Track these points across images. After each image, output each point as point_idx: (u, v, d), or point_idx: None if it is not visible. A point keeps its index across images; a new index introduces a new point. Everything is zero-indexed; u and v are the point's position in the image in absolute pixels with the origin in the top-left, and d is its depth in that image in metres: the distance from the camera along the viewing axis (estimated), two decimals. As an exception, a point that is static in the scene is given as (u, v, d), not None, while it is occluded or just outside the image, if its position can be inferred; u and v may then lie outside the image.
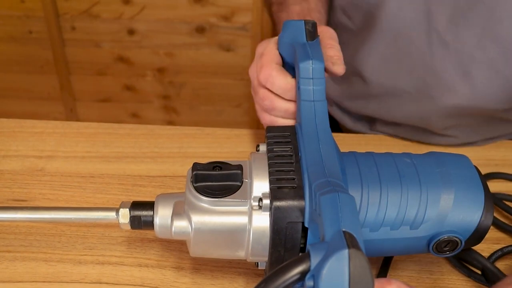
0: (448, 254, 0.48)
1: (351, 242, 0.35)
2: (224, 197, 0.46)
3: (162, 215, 0.48)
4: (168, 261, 0.57)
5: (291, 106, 0.56)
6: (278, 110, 0.57)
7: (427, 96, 0.70)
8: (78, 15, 1.61)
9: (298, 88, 0.53)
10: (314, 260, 0.36)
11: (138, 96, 1.75)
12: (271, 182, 0.45)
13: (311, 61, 0.52)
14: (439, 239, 0.47)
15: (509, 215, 0.63)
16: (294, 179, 0.45)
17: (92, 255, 0.57)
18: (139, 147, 0.71)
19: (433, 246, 0.47)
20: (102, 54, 1.66)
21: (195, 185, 0.47)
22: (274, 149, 0.49)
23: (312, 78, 0.52)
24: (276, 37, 0.60)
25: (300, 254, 0.46)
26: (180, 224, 0.47)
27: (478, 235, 0.47)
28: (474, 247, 0.52)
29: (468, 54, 0.66)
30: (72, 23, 1.62)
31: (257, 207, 0.45)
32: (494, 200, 0.58)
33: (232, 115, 1.77)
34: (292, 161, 0.47)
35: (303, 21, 0.57)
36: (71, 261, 0.57)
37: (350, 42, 0.78)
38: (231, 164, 0.48)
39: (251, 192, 0.46)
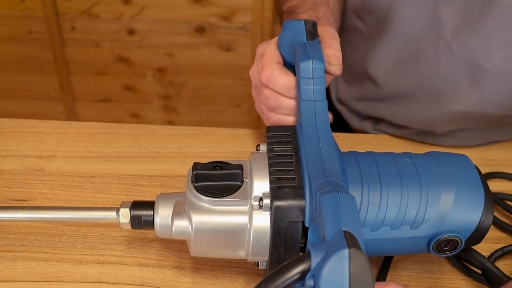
0: (448, 254, 0.48)
1: (351, 241, 0.35)
2: (224, 196, 0.46)
3: (162, 215, 0.48)
4: (168, 261, 0.57)
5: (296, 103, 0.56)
6: (284, 108, 0.57)
7: (435, 102, 0.71)
8: (78, 15, 1.61)
9: (298, 88, 0.53)
10: (315, 260, 0.36)
11: (138, 96, 1.75)
12: (271, 182, 0.45)
13: (311, 61, 0.52)
14: (439, 239, 0.47)
15: (509, 215, 0.63)
16: (294, 178, 0.45)
17: (93, 254, 0.57)
18: (139, 147, 0.71)
19: (433, 246, 0.47)
20: (102, 54, 1.67)
21: (196, 184, 0.47)
22: (275, 148, 0.49)
23: (312, 78, 0.52)
24: (276, 37, 0.60)
25: (300, 253, 0.46)
26: (181, 224, 0.47)
27: (479, 234, 0.47)
28: (474, 247, 0.52)
29: (475, 62, 0.66)
30: (72, 23, 1.62)
31: (258, 207, 0.45)
32: (494, 200, 0.58)
33: (232, 115, 1.77)
34: (293, 160, 0.47)
35: (303, 21, 0.57)
36: (71, 261, 0.57)
37: (361, 44, 0.78)
38: (231, 164, 0.48)
39: (251, 191, 0.46)
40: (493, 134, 0.74)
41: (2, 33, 1.65)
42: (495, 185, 0.66)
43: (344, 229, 0.37)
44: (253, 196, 0.46)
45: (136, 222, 0.49)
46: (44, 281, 0.55)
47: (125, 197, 0.64)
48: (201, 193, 0.46)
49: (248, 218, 0.46)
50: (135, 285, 0.55)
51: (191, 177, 0.47)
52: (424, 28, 0.68)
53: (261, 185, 0.46)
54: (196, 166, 0.48)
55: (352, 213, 0.39)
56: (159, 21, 1.61)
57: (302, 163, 0.47)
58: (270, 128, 0.52)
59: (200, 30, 1.61)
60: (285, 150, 0.48)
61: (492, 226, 0.59)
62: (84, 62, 1.68)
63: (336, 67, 0.56)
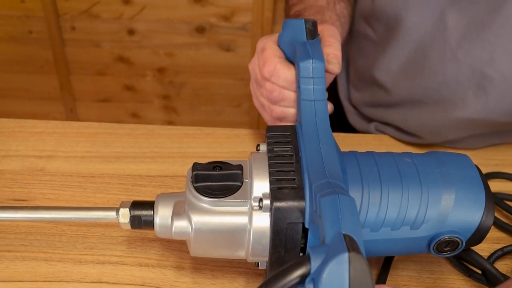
0: (449, 254, 0.48)
1: (351, 245, 0.35)
2: (224, 197, 0.46)
3: (162, 215, 0.48)
4: (168, 261, 0.57)
5: None
6: (288, 101, 0.57)
7: (441, 109, 0.71)
8: (78, 15, 1.61)
9: (298, 87, 0.53)
10: (314, 263, 0.36)
11: (138, 96, 1.75)
12: (271, 183, 0.45)
13: (311, 60, 0.52)
14: (439, 240, 0.47)
15: (509, 215, 0.63)
16: (294, 179, 0.45)
17: (93, 254, 0.57)
18: (139, 147, 0.71)
19: (433, 247, 0.47)
20: (102, 54, 1.66)
21: (195, 185, 0.47)
22: (274, 149, 0.49)
23: (313, 78, 0.52)
24: (276, 35, 0.60)
25: (300, 254, 0.46)
26: (180, 224, 0.47)
27: (479, 235, 0.47)
28: (475, 247, 0.52)
29: (480, 70, 0.66)
30: (72, 23, 1.62)
31: (257, 208, 0.45)
32: (494, 200, 0.57)
33: (232, 115, 1.77)
34: (293, 161, 0.47)
35: (303, 20, 0.57)
36: (71, 261, 0.57)
37: (370, 50, 0.78)
38: (231, 164, 0.48)
39: (251, 192, 0.46)
40: (497, 139, 0.74)
41: (2, 33, 1.64)
42: (495, 185, 0.66)
43: (344, 232, 0.37)
44: (253, 197, 0.46)
45: (136, 222, 0.49)
46: (44, 281, 0.55)
47: (125, 197, 0.64)
48: (200, 194, 0.46)
49: (248, 218, 0.46)
50: (135, 285, 0.55)
51: (191, 177, 0.47)
52: (431, 35, 0.69)
53: (261, 186, 0.46)
54: (195, 166, 0.48)
55: (352, 215, 0.39)
56: (159, 21, 1.61)
57: (302, 164, 0.46)
58: (270, 128, 0.52)
59: (200, 30, 1.61)
60: (285, 150, 0.48)
61: (492, 226, 0.59)
62: (84, 62, 1.68)
63: (335, 65, 0.56)
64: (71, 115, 1.79)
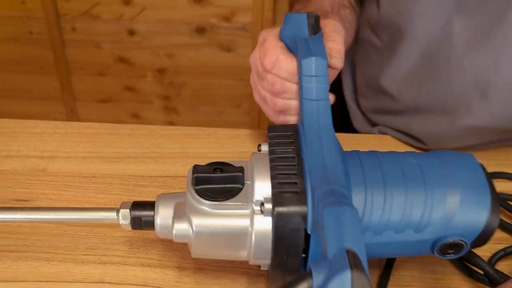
0: (453, 257, 0.48)
1: (354, 261, 0.35)
2: (225, 200, 0.46)
3: (163, 215, 0.48)
4: (170, 261, 0.57)
5: None
6: (290, 93, 0.56)
7: (447, 116, 0.71)
8: (78, 16, 1.61)
9: (300, 86, 0.52)
10: (316, 280, 0.35)
11: (138, 97, 1.75)
12: (273, 187, 0.45)
13: (313, 58, 0.51)
14: (444, 242, 0.46)
15: (511, 215, 0.63)
16: (296, 183, 0.45)
17: (95, 255, 0.57)
18: (140, 147, 0.71)
19: (437, 249, 0.46)
20: (103, 55, 1.67)
21: (196, 188, 0.46)
22: (276, 150, 0.48)
23: (315, 76, 0.51)
24: (278, 28, 0.59)
25: (303, 255, 0.45)
26: (181, 227, 0.46)
27: (484, 237, 0.46)
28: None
29: (485, 77, 0.66)
30: (72, 24, 1.62)
31: (259, 212, 0.45)
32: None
33: (232, 116, 1.77)
34: (295, 164, 0.46)
35: (306, 15, 0.56)
36: (73, 261, 0.57)
37: (377, 58, 0.78)
38: (232, 166, 0.48)
39: (252, 195, 0.45)
40: (503, 144, 0.74)
41: (2, 33, 1.65)
42: (497, 186, 0.66)
43: (347, 247, 0.36)
44: (254, 200, 0.45)
45: (137, 223, 0.49)
46: (47, 281, 0.55)
47: (127, 198, 0.64)
48: (201, 197, 0.46)
49: (249, 222, 0.45)
50: (137, 285, 0.55)
51: (192, 180, 0.47)
52: (436, 44, 0.69)
53: (262, 189, 0.45)
54: (196, 168, 0.47)
55: (355, 229, 0.38)
56: (159, 22, 1.61)
57: (304, 167, 0.46)
58: (272, 128, 0.51)
59: (200, 30, 1.61)
60: (287, 152, 0.47)
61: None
62: (85, 62, 1.69)
63: (337, 60, 0.55)
64: (72, 115, 1.79)
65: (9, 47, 1.67)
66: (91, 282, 0.55)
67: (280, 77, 0.56)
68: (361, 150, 0.51)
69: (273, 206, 0.44)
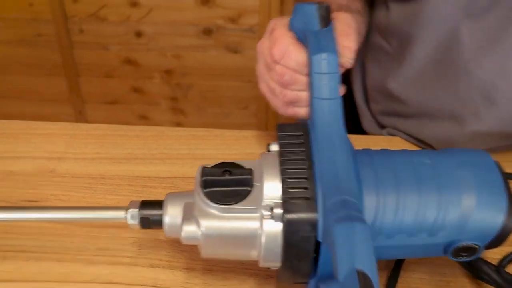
0: (466, 259, 0.47)
1: (365, 285, 0.34)
2: (234, 204, 0.45)
3: (171, 215, 0.48)
4: (179, 262, 0.57)
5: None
6: (300, 84, 0.54)
7: (455, 122, 0.70)
8: (86, 18, 1.61)
9: (310, 83, 0.50)
10: None
11: (145, 98, 1.76)
12: (283, 191, 0.44)
13: (324, 54, 0.48)
14: (457, 246, 0.45)
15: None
16: (307, 189, 0.44)
17: (104, 255, 0.58)
18: (148, 148, 0.72)
19: (450, 252, 0.45)
20: (110, 57, 1.67)
21: (205, 190, 0.46)
22: (287, 152, 0.47)
23: (326, 73, 0.48)
24: (288, 18, 0.57)
25: (314, 254, 0.45)
26: (190, 229, 0.46)
27: (499, 239, 0.45)
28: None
29: (491, 82, 0.66)
30: (80, 25, 1.63)
31: (269, 217, 0.44)
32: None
33: (239, 117, 1.77)
34: (305, 167, 0.45)
35: (316, 5, 0.53)
36: (83, 262, 0.57)
37: (386, 62, 0.78)
38: (241, 167, 0.47)
39: (262, 199, 0.45)
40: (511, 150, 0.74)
41: (11, 36, 1.66)
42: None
43: (357, 268, 0.35)
44: (264, 205, 0.44)
45: (145, 222, 0.49)
46: (57, 282, 0.55)
47: (135, 199, 0.63)
48: (210, 200, 0.45)
49: (258, 225, 0.45)
50: (146, 286, 0.55)
51: (200, 182, 0.47)
52: (444, 49, 0.68)
53: (272, 192, 0.45)
54: (204, 171, 0.47)
55: (366, 248, 0.37)
56: (166, 24, 1.61)
57: (315, 171, 0.45)
58: (282, 127, 0.49)
59: (207, 32, 1.62)
60: (297, 154, 0.46)
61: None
62: (92, 64, 1.69)
63: (347, 60, 0.53)
64: (80, 117, 1.80)
65: (17, 49, 1.68)
66: (101, 283, 0.55)
67: (289, 68, 0.54)
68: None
69: (283, 213, 0.43)
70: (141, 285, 0.55)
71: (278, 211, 0.43)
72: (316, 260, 0.45)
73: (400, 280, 0.56)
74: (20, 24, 1.64)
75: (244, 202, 0.45)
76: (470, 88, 0.68)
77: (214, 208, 0.45)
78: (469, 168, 0.46)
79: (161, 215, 0.48)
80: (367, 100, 0.87)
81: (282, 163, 0.46)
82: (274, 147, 0.48)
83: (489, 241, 0.46)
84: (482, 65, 0.66)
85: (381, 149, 0.49)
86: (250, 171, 0.47)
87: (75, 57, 1.68)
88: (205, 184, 0.46)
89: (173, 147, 0.72)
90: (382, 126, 0.84)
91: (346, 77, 0.62)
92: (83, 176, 0.67)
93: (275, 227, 0.44)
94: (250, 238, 0.45)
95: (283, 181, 0.45)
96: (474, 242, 0.45)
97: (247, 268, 0.57)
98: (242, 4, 1.57)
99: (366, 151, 0.48)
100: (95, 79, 1.72)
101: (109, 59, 1.68)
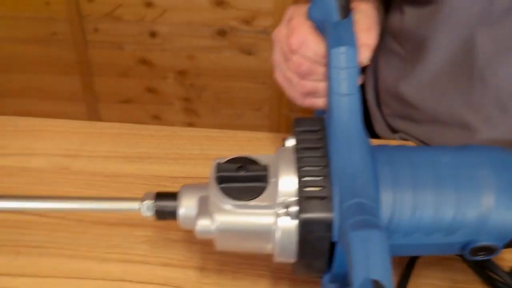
0: (483, 258, 0.46)
1: None
2: (249, 200, 0.45)
3: (186, 206, 0.47)
4: (191, 261, 0.58)
5: None
6: (318, 74, 0.53)
7: (467, 129, 0.70)
8: (101, 17, 1.62)
9: (328, 77, 0.48)
10: None
11: (159, 98, 1.76)
12: (299, 189, 0.44)
13: (343, 48, 0.47)
14: (475, 246, 0.44)
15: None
16: (324, 187, 0.43)
17: (116, 253, 0.58)
18: (161, 148, 0.72)
19: (467, 251, 0.45)
20: (124, 56, 1.68)
21: (220, 186, 0.46)
22: (303, 148, 0.46)
23: (344, 68, 0.47)
24: (306, 7, 0.55)
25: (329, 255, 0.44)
26: (204, 223, 0.46)
27: None
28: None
29: (507, 90, 0.65)
30: (95, 25, 1.64)
31: (284, 214, 0.44)
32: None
33: (252, 119, 1.77)
34: (322, 165, 0.45)
35: None
36: (95, 259, 0.58)
37: (398, 66, 0.77)
38: (256, 163, 0.47)
39: (277, 196, 0.45)
40: None
41: (27, 34, 1.67)
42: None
43: (373, 278, 0.35)
44: (279, 202, 0.44)
45: (160, 213, 0.49)
46: (69, 278, 0.56)
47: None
48: (225, 195, 0.46)
49: (273, 222, 0.45)
50: (158, 284, 0.55)
51: (215, 178, 0.47)
52: (459, 55, 0.68)
53: (287, 189, 0.44)
54: (219, 167, 0.47)
55: (383, 258, 0.37)
56: (181, 24, 1.62)
57: (331, 169, 0.44)
58: (298, 122, 0.48)
59: (221, 33, 1.62)
60: (314, 151, 0.46)
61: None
62: (107, 63, 1.70)
63: (364, 58, 0.52)
64: (93, 115, 1.81)
65: (32, 47, 1.69)
66: (112, 280, 0.56)
67: (307, 59, 0.53)
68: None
69: (299, 212, 0.43)
70: (152, 284, 0.56)
71: (294, 209, 0.43)
72: (331, 257, 0.45)
73: (411, 285, 0.56)
74: (36, 22, 1.65)
75: (259, 198, 0.45)
76: (484, 95, 0.67)
77: (229, 204, 0.45)
78: (489, 166, 0.45)
79: (175, 207, 0.48)
80: (379, 104, 0.87)
81: (298, 159, 0.45)
82: (290, 142, 0.48)
83: (508, 241, 0.45)
84: (498, 72, 0.65)
85: (400, 146, 0.48)
86: (265, 167, 0.46)
87: (89, 56, 1.69)
88: (220, 180, 0.46)
89: (186, 147, 0.72)
90: (394, 131, 0.83)
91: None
92: (97, 174, 0.67)
93: (290, 224, 0.44)
94: (264, 234, 0.45)
95: (299, 179, 0.44)
96: (493, 242, 0.44)
97: (259, 270, 0.57)
98: (256, 6, 1.57)
99: (384, 148, 0.47)
100: (109, 78, 1.73)
101: (124, 59, 1.69)
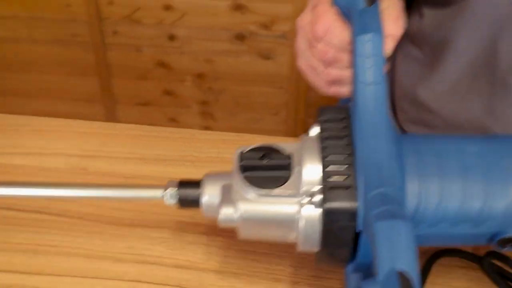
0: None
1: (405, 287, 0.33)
2: (273, 188, 0.45)
3: (210, 194, 0.47)
4: (206, 264, 0.58)
5: None
6: (344, 62, 0.52)
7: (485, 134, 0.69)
8: (120, 20, 1.64)
9: (354, 66, 0.47)
10: None
11: (176, 101, 1.77)
12: (324, 179, 0.43)
13: (369, 35, 0.45)
14: (504, 237, 0.43)
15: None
16: (348, 176, 0.43)
17: (132, 254, 0.58)
18: (179, 150, 0.72)
19: (495, 242, 0.44)
20: (143, 59, 1.69)
21: (243, 174, 0.46)
22: (328, 137, 0.45)
23: (370, 56, 0.46)
24: None
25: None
26: (227, 212, 0.45)
27: None
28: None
29: None
30: (114, 27, 1.65)
31: (308, 203, 0.43)
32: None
33: (269, 124, 1.77)
34: (347, 153, 0.44)
35: None
36: (111, 259, 0.58)
37: (416, 70, 0.76)
38: (279, 152, 0.46)
39: (301, 185, 0.44)
40: None
41: (47, 35, 1.69)
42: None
43: (399, 269, 0.35)
44: (303, 191, 0.44)
45: (183, 201, 0.49)
46: (84, 277, 0.56)
47: (165, 200, 0.64)
48: (248, 184, 0.45)
49: (297, 211, 0.44)
50: (172, 286, 0.56)
51: (238, 166, 0.46)
52: (481, 59, 0.67)
53: (311, 177, 0.44)
54: (242, 156, 0.46)
55: (409, 249, 0.36)
56: (199, 28, 1.63)
57: (356, 158, 0.43)
58: (323, 110, 0.47)
59: (240, 37, 1.62)
60: (339, 139, 0.45)
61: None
62: (125, 66, 1.71)
63: (387, 50, 0.51)
64: (111, 117, 1.82)
65: (52, 49, 1.71)
66: (127, 281, 0.56)
67: (333, 46, 0.52)
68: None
69: (323, 200, 0.42)
70: (168, 285, 0.56)
71: (318, 198, 0.43)
72: (355, 247, 0.44)
73: (427, 293, 0.55)
74: (56, 24, 1.67)
75: (283, 187, 0.45)
76: (505, 102, 0.66)
77: (252, 193, 0.45)
78: None
79: (199, 195, 0.48)
80: (394, 109, 0.86)
81: (323, 148, 0.44)
82: (314, 131, 0.47)
83: None
84: None
85: (426, 134, 0.48)
86: (289, 156, 0.46)
87: (108, 58, 1.71)
88: (244, 169, 0.46)
89: (203, 150, 0.73)
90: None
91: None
92: (115, 175, 0.68)
93: (314, 213, 0.43)
94: (288, 223, 0.45)
95: (324, 168, 0.43)
96: None
97: (274, 273, 0.57)
98: (275, 11, 1.57)
99: (410, 136, 0.47)
100: (128, 80, 1.74)
101: (142, 62, 1.70)
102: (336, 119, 0.46)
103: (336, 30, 0.51)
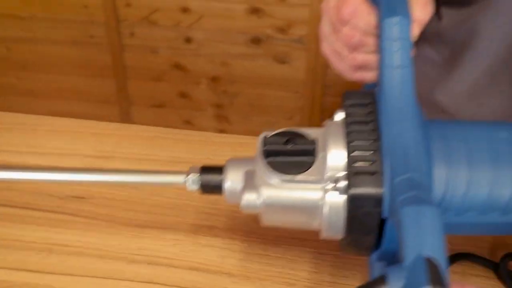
0: None
1: (433, 275, 0.32)
2: (297, 174, 0.44)
3: (232, 180, 0.46)
4: (219, 267, 0.57)
5: None
6: (370, 46, 0.51)
7: None
8: (137, 22, 1.65)
9: (380, 49, 0.46)
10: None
11: (191, 104, 1.77)
12: (349, 164, 0.42)
13: (397, 18, 0.44)
14: None
15: None
16: (374, 161, 0.42)
17: (145, 255, 0.58)
18: (193, 153, 0.72)
19: None
20: (159, 61, 1.70)
21: (267, 160, 0.45)
22: (353, 122, 0.44)
23: (397, 39, 0.45)
24: None
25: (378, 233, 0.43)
26: (250, 198, 0.45)
27: None
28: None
29: None
30: (131, 29, 1.66)
31: (332, 189, 0.42)
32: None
33: (283, 127, 1.77)
34: (373, 138, 0.43)
35: None
36: (124, 260, 0.58)
37: (432, 73, 0.75)
38: (304, 137, 0.46)
39: (325, 170, 0.43)
40: None
41: (65, 36, 1.70)
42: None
43: (426, 255, 0.34)
44: (327, 177, 0.43)
45: (205, 187, 0.48)
46: (98, 277, 0.56)
47: (180, 201, 0.64)
48: (272, 169, 0.44)
49: (321, 197, 0.43)
50: (185, 288, 0.56)
51: (262, 152, 0.45)
52: (502, 60, 0.66)
53: (336, 163, 0.43)
54: (266, 140, 0.46)
55: (436, 234, 0.35)
56: (216, 31, 1.63)
57: (382, 143, 0.42)
58: (348, 95, 0.46)
59: (256, 41, 1.62)
60: (364, 125, 0.44)
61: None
62: (141, 67, 1.72)
63: (413, 36, 0.49)
64: (126, 118, 1.83)
65: (69, 50, 1.73)
66: (141, 282, 0.56)
67: (359, 30, 0.51)
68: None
69: (347, 186, 0.41)
70: (180, 287, 0.56)
71: (342, 184, 0.42)
72: (380, 234, 0.43)
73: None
74: (73, 25, 1.68)
75: (307, 173, 0.44)
76: None
77: (276, 178, 0.44)
78: None
79: (221, 181, 0.47)
80: None
81: (348, 134, 0.44)
82: (339, 116, 0.46)
83: None
84: None
85: (455, 120, 0.47)
86: (313, 141, 0.45)
87: (124, 59, 1.72)
88: (267, 154, 0.45)
89: (218, 153, 0.73)
90: None
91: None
92: (129, 176, 0.68)
93: (338, 200, 0.42)
94: (312, 209, 0.44)
95: (349, 153, 0.43)
96: None
97: (287, 277, 0.56)
98: (292, 15, 1.57)
99: (438, 122, 0.46)
100: (143, 82, 1.75)
101: (158, 63, 1.71)
102: (362, 104, 0.45)
103: (363, 13, 0.50)
